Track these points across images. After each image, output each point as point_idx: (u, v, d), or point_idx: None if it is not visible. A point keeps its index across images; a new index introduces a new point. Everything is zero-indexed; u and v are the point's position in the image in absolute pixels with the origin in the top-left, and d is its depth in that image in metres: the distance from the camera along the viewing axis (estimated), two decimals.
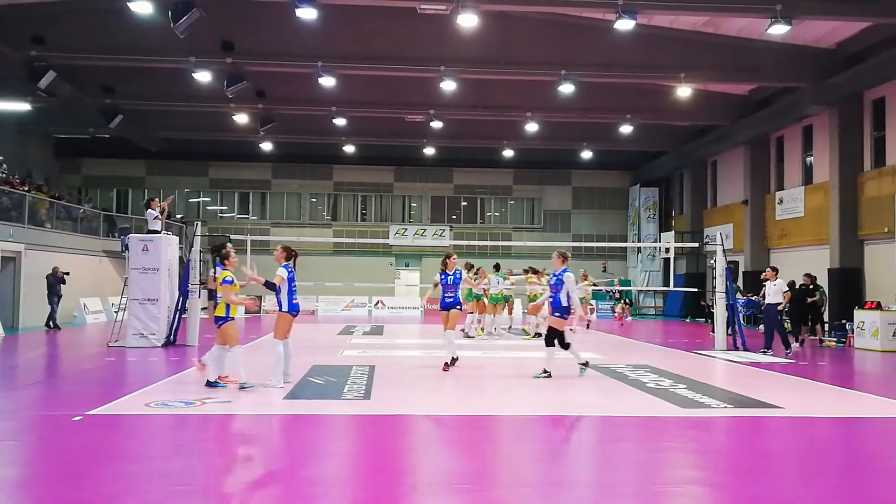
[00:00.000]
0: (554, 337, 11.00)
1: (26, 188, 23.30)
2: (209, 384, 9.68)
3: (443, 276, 11.97)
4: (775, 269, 16.37)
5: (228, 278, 9.76)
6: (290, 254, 10.06)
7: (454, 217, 37.37)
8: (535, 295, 18.40)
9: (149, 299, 15.47)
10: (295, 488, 5.51)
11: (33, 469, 6.17)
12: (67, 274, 21.13)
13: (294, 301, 9.93)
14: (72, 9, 19.43)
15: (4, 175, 22.83)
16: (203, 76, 20.82)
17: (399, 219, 37.14)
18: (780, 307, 15.78)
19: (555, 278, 11.12)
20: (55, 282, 20.44)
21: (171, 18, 15.90)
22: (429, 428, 8.04)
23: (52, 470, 5.98)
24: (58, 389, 10.32)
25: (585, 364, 11.28)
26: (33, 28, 19.30)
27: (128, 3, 16.24)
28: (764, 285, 16.59)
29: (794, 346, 16.25)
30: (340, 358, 13.70)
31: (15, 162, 25.09)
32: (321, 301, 32.97)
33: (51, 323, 20.41)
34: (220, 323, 9.83)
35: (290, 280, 9.84)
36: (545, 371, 11.00)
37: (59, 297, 20.61)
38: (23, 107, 24.72)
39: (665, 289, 29.34)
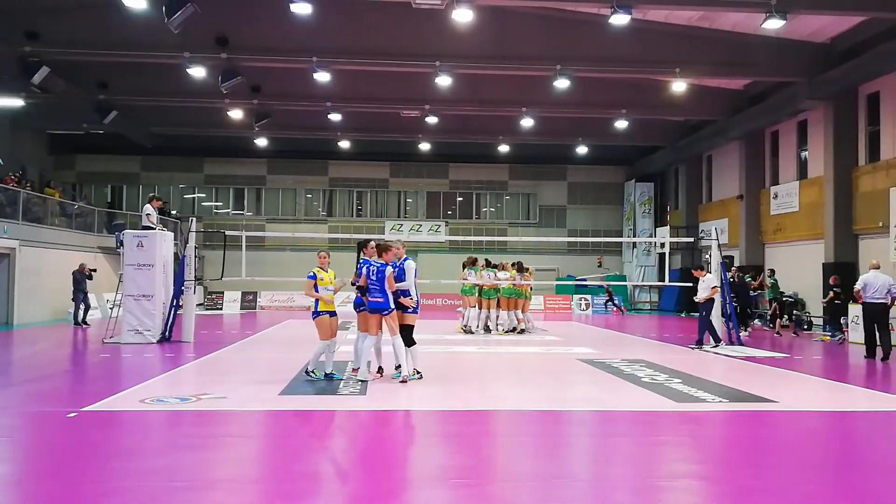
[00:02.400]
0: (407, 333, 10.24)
1: (25, 185, 23.26)
2: (327, 376, 10.11)
3: (363, 265, 10.17)
4: (702, 267, 16.34)
5: (311, 274, 10.03)
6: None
7: (450, 212, 37.35)
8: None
9: (144, 295, 15.43)
10: (291, 483, 5.51)
11: (29, 465, 6.15)
12: (94, 271, 21.21)
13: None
14: (66, 4, 19.33)
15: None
16: (197, 71, 20.74)
17: (394, 214, 37.11)
18: (697, 299, 15.65)
19: (398, 269, 10.12)
20: (81, 278, 20.43)
21: (165, 14, 15.85)
22: (425, 423, 8.06)
23: (47, 466, 5.97)
24: (53, 386, 10.29)
25: (418, 375, 10.27)
26: (27, 23, 19.21)
27: None
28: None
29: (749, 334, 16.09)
30: (336, 353, 13.66)
31: (9, 158, 25.00)
32: None
33: (79, 319, 20.40)
34: (313, 318, 10.19)
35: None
36: (417, 371, 10.31)
37: (86, 293, 20.62)
38: (16, 103, 24.61)
39: (660, 283, 29.38)
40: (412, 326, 10.29)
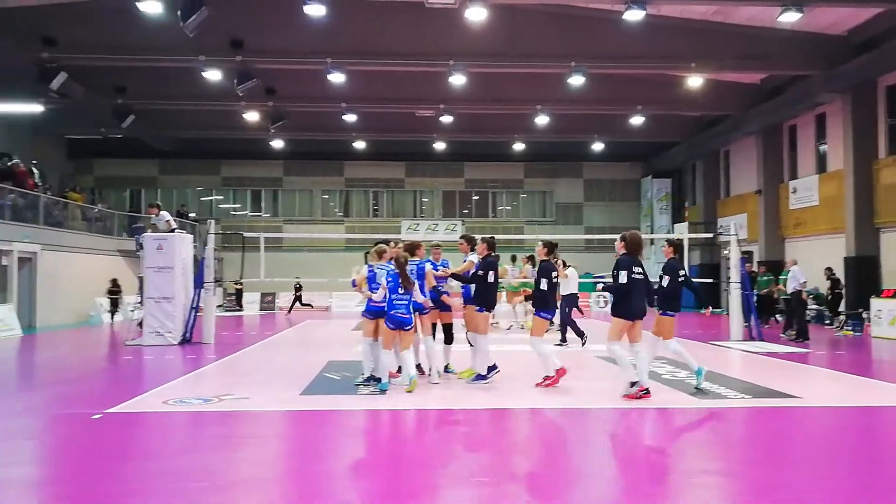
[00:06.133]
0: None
1: (45, 190, 23.50)
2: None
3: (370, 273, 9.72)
4: (563, 263, 15.79)
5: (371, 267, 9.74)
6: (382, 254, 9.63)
7: (466, 211, 37.37)
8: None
9: (164, 297, 15.55)
10: (312, 483, 5.54)
11: (54, 467, 6.23)
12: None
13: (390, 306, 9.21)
14: (82, 10, 19.47)
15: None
16: (213, 75, 20.88)
17: (411, 214, 37.17)
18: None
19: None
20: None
21: (180, 17, 15.94)
22: (444, 422, 8.06)
23: (72, 468, 6.04)
24: (77, 388, 10.39)
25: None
26: (45, 29, 19.37)
27: (136, 3, 16.31)
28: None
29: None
30: (355, 353, 13.69)
31: (29, 163, 25.21)
32: (335, 297, 33.06)
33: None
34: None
35: (370, 279, 9.47)
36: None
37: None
38: (35, 108, 24.85)
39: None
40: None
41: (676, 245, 9.84)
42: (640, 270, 8.75)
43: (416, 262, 9.73)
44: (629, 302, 8.64)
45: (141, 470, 5.91)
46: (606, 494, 5.36)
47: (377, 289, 9.32)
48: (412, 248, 9.89)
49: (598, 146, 32.81)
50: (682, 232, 27.51)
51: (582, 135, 31.31)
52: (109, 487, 5.36)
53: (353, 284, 10.15)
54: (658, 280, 9.46)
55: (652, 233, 34.36)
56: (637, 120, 27.19)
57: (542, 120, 26.87)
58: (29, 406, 9.00)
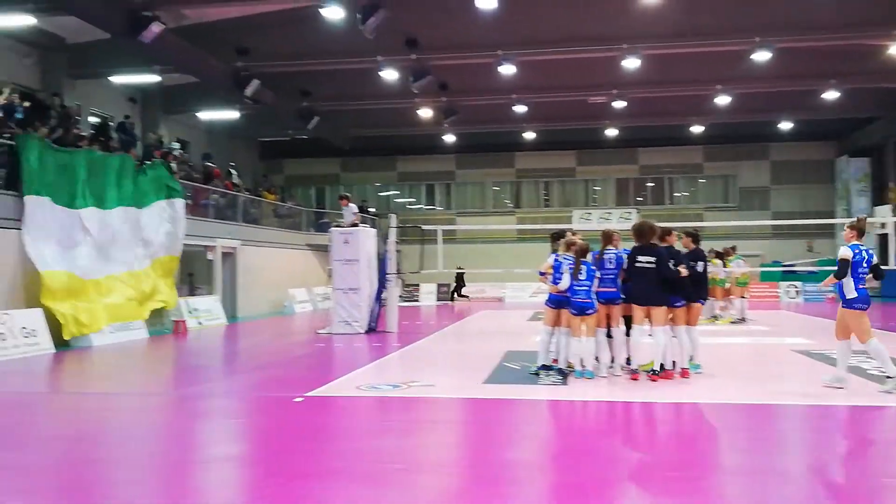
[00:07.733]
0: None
1: (248, 190, 25.56)
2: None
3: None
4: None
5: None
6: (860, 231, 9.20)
7: (640, 199, 36.34)
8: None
9: (351, 289, 16.42)
10: (498, 469, 5.64)
11: (264, 446, 6.74)
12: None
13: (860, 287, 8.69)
14: (270, 20, 20.79)
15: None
16: (389, 74, 21.66)
17: (582, 203, 36.67)
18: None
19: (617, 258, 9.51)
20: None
21: (360, 20, 16.66)
22: (629, 415, 7.91)
23: (279, 447, 6.51)
24: (279, 372, 11.21)
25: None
26: (237, 40, 20.92)
27: (320, 10, 17.24)
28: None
29: None
30: (533, 344, 13.74)
31: (226, 166, 27.44)
32: (508, 287, 33.34)
33: None
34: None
35: (857, 264, 8.93)
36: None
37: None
38: (233, 115, 26.98)
39: (883, 268, 26.82)
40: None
41: (695, 236, 10.02)
42: (650, 259, 8.99)
43: (615, 252, 9.53)
44: (627, 287, 9.17)
45: (341, 450, 6.29)
46: (804, 495, 5.05)
47: (560, 279, 9.32)
48: (608, 236, 9.70)
49: (785, 125, 30.75)
50: (884, 215, 25.24)
51: (767, 114, 29.42)
52: (313, 466, 5.75)
53: (541, 273, 10.15)
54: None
55: (849, 216, 31.70)
56: (830, 95, 25.15)
57: (722, 100, 25.55)
58: (239, 389, 9.87)
